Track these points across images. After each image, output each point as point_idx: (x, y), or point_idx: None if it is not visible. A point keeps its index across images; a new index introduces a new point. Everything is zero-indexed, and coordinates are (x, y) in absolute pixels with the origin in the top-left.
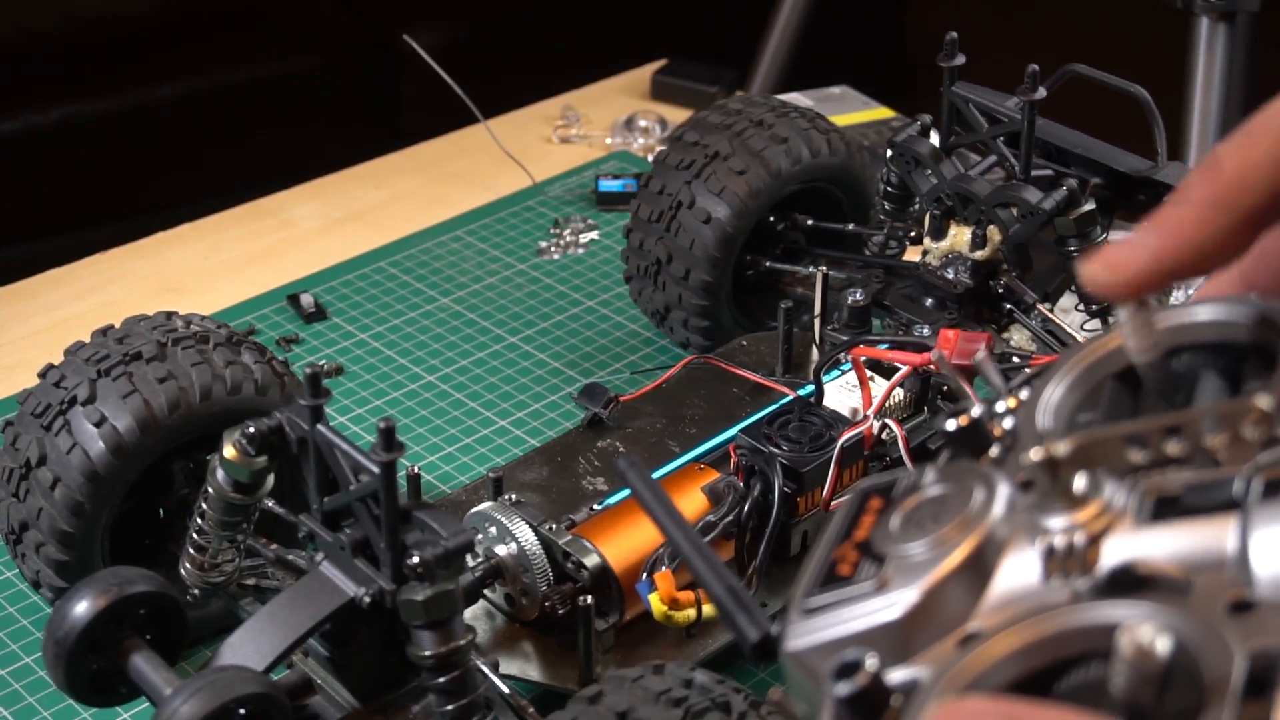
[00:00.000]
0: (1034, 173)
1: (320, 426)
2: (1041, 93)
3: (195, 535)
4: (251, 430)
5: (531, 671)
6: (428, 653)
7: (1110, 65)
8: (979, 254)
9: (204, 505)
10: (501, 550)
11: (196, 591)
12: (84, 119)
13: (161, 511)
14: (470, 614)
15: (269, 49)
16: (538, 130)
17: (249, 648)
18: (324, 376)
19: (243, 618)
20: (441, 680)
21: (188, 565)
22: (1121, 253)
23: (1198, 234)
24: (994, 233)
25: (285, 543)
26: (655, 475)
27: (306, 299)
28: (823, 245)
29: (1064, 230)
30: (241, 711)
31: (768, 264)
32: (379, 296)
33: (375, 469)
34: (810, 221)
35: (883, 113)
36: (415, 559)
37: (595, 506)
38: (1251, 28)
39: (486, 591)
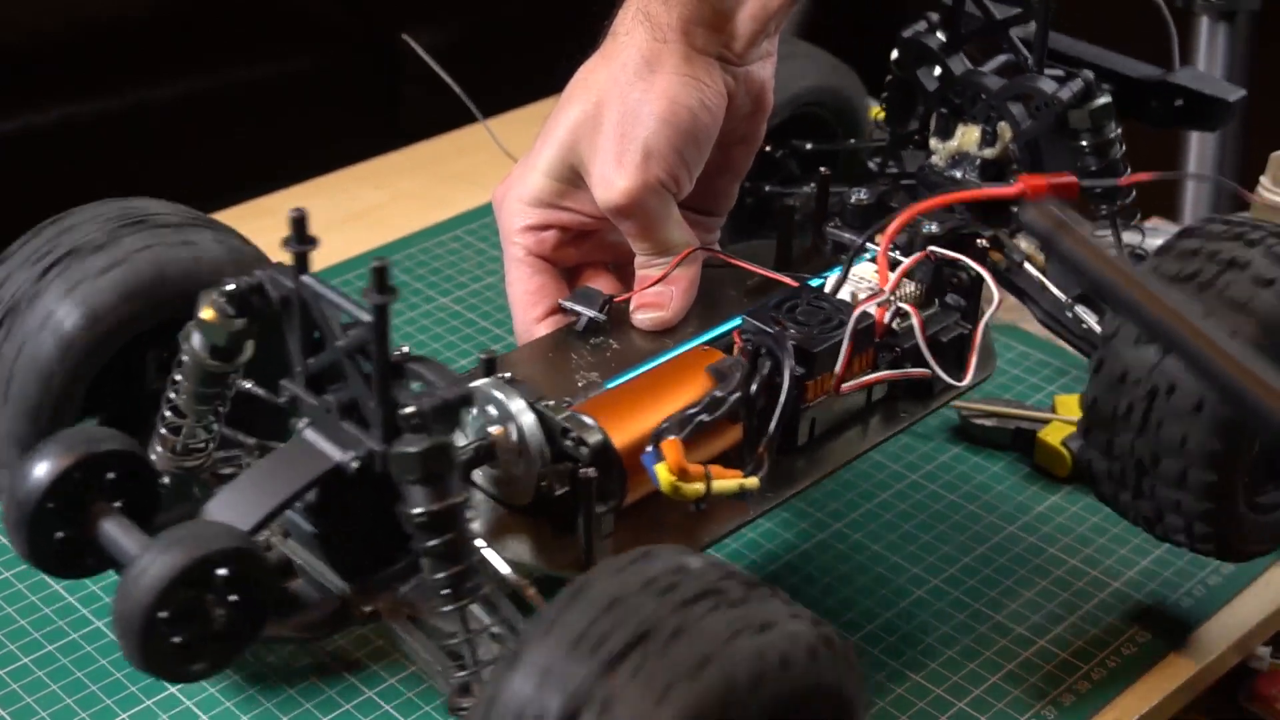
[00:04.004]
0: (1046, 71)
1: (305, 277)
2: None
3: (168, 414)
4: (230, 288)
5: (526, 557)
6: (420, 510)
7: None
8: (989, 152)
9: (178, 378)
10: (495, 429)
11: (167, 480)
12: (84, 119)
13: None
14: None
15: (268, 49)
16: (537, 130)
17: (227, 513)
18: (303, 223)
19: None
20: (435, 543)
21: (159, 448)
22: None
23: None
24: (1004, 130)
25: (264, 436)
26: (656, 360)
27: None
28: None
29: (1078, 124)
30: (220, 572)
31: (767, 188)
32: None
33: (367, 315)
34: (809, 145)
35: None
36: (410, 408)
37: (595, 390)
38: (1251, 28)
39: (477, 476)
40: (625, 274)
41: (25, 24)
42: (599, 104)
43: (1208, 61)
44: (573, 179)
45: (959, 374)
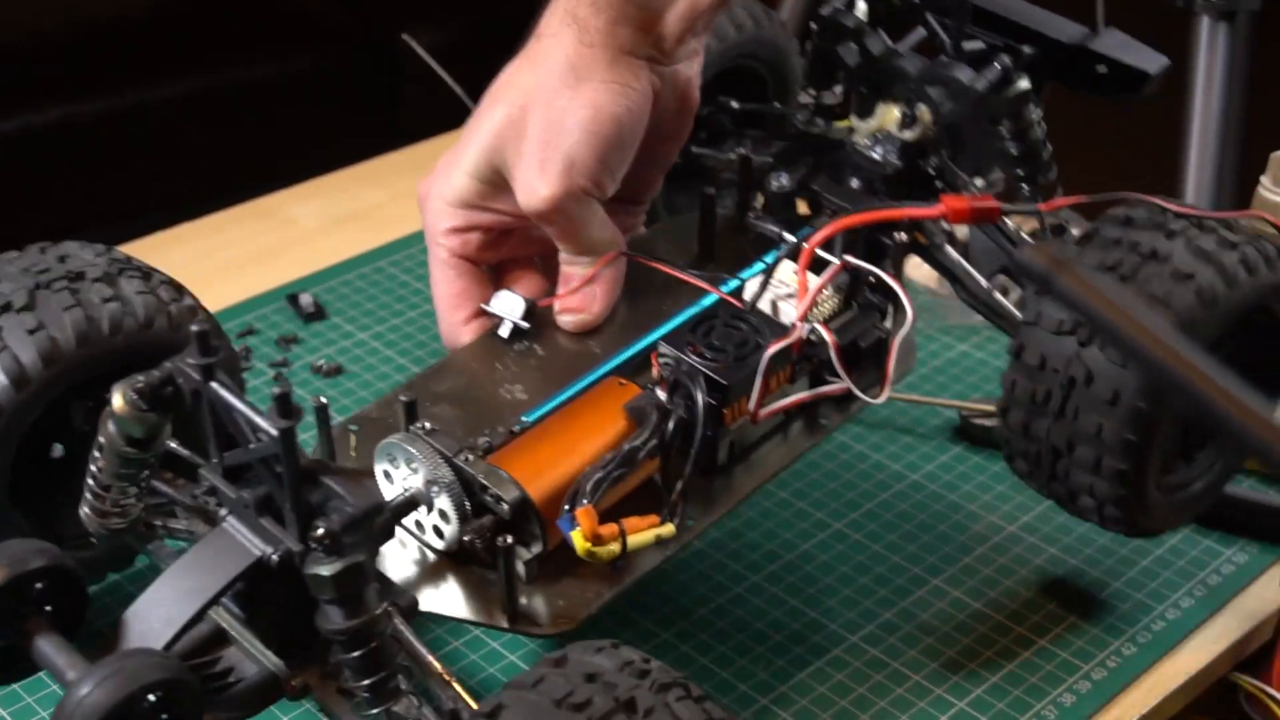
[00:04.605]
0: (965, 44)
1: (214, 384)
2: None
3: (92, 481)
4: (140, 384)
5: (453, 607)
6: (338, 627)
7: None
8: (908, 134)
9: (97, 454)
10: (415, 481)
11: (93, 538)
12: (84, 119)
13: (61, 449)
14: (388, 546)
15: (268, 49)
16: None
17: (153, 616)
18: (208, 336)
19: (148, 558)
20: (353, 655)
21: (87, 510)
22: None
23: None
24: (924, 113)
25: (194, 477)
26: (570, 391)
27: (306, 299)
28: (751, 127)
29: (996, 110)
30: (150, 697)
31: (693, 149)
32: (379, 296)
33: (274, 433)
34: (735, 104)
35: None
36: (320, 530)
37: (514, 429)
38: (1251, 28)
39: (405, 520)
40: (550, 267)
41: (25, 24)
42: (524, 108)
43: (1208, 62)
44: (496, 181)
45: (878, 383)
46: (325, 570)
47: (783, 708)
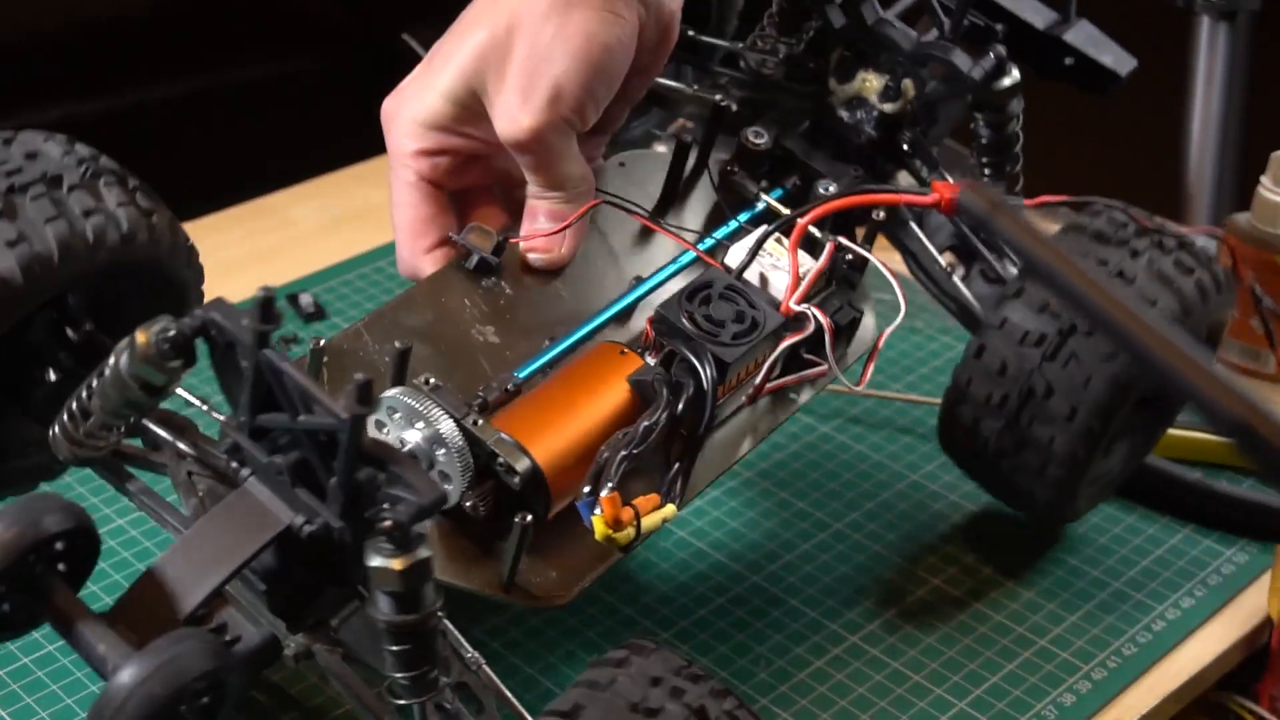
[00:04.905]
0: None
1: (267, 351)
2: None
3: (75, 404)
4: (173, 333)
5: (447, 574)
6: (392, 620)
7: None
8: (889, 106)
9: (94, 383)
10: (415, 437)
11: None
12: (84, 119)
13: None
14: None
15: (268, 49)
16: None
17: (177, 581)
18: (270, 302)
19: (116, 491)
20: (400, 648)
21: (58, 433)
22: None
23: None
24: (908, 88)
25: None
26: (559, 349)
27: (306, 299)
28: (697, 56)
29: (985, 100)
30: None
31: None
32: (379, 296)
33: (343, 419)
34: (690, 32)
35: None
36: (389, 521)
37: (509, 386)
38: (1251, 28)
39: None
40: (512, 199)
41: (25, 24)
42: (509, 30)
43: (1208, 62)
44: (473, 105)
45: (846, 359)
46: (396, 564)
47: (783, 708)
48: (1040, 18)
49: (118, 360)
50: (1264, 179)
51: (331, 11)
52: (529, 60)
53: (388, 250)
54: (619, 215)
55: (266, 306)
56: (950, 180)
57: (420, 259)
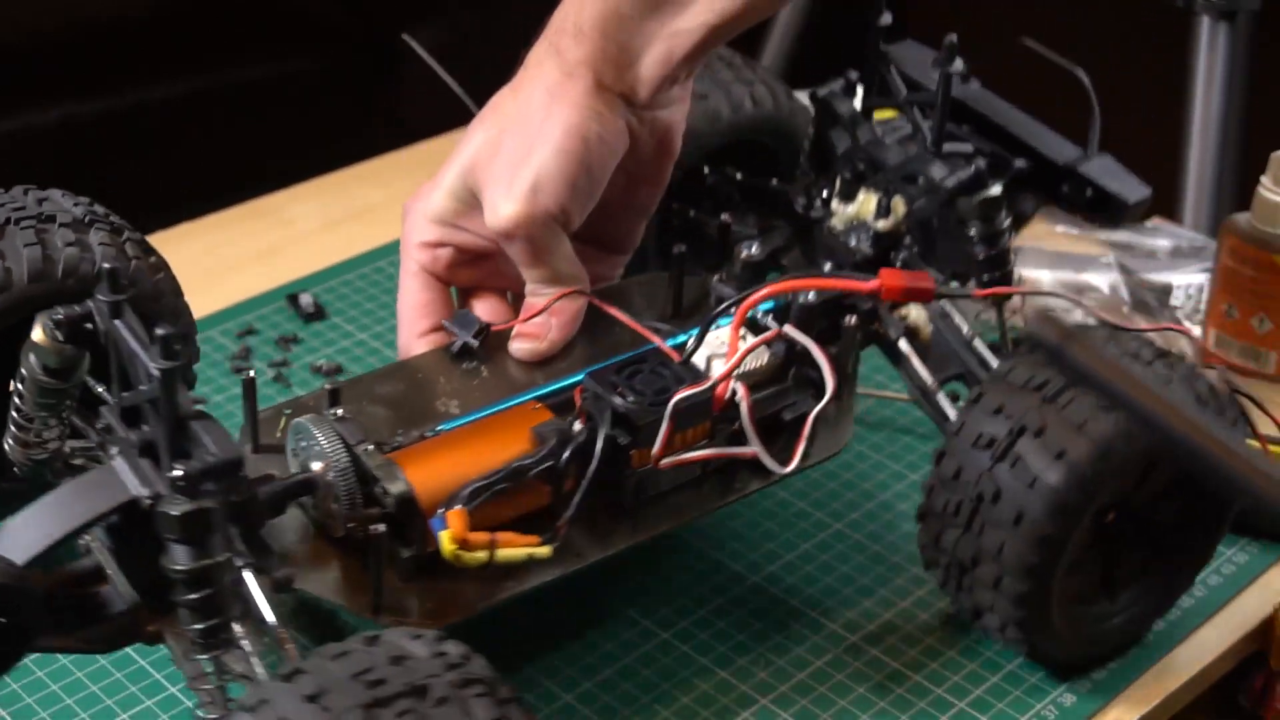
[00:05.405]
0: (952, 146)
1: (119, 322)
2: (958, 65)
3: (15, 413)
4: (59, 316)
5: (326, 591)
6: (179, 566)
7: (1111, 63)
8: (881, 223)
9: (19, 386)
10: (316, 465)
11: (17, 470)
12: (84, 119)
13: None
14: (289, 523)
15: (268, 49)
16: None
17: (22, 535)
18: (118, 274)
19: None
20: (191, 597)
21: (10, 441)
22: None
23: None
24: (899, 205)
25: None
26: (490, 410)
27: (306, 299)
28: (753, 200)
29: (965, 213)
30: None
31: (693, 213)
32: (379, 296)
33: (155, 372)
34: (739, 175)
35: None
36: (179, 471)
37: (426, 434)
38: (1251, 28)
39: (305, 501)
40: (519, 302)
41: (25, 24)
42: (501, 131)
43: (1208, 62)
44: (471, 201)
45: (808, 457)
46: (174, 510)
47: (783, 708)
48: (1062, 153)
49: (26, 354)
50: (1264, 179)
51: (331, 11)
52: (513, 154)
53: (387, 250)
54: (617, 322)
55: (113, 277)
56: (928, 273)
57: (414, 342)
